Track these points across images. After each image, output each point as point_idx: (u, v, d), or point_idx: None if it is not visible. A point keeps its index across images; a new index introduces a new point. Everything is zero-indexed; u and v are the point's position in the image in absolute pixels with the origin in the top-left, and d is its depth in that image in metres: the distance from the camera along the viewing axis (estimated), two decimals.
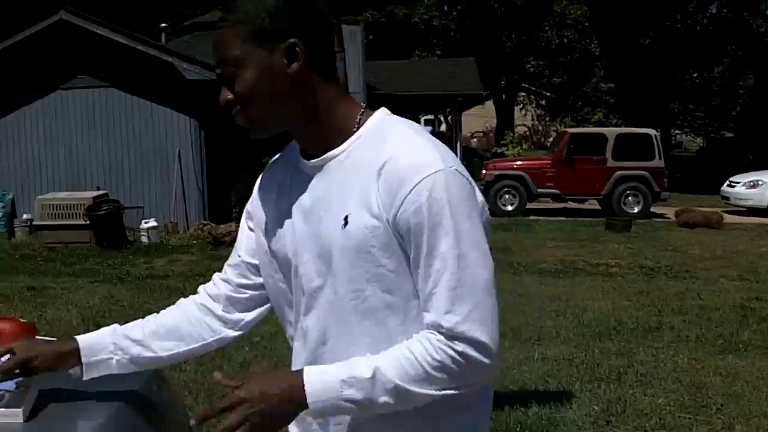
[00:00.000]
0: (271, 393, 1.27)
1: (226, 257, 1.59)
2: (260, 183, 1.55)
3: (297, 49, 1.33)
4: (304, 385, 1.27)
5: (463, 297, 1.28)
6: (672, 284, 8.92)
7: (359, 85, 15.65)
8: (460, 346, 1.26)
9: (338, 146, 1.38)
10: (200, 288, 1.61)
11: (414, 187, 1.28)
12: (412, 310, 1.34)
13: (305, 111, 1.37)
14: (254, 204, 1.54)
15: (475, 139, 40.24)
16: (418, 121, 33.09)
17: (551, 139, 34.68)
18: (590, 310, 7.18)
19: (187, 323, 1.57)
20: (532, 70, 31.40)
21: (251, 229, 1.54)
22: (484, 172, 16.47)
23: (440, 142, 1.39)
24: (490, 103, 34.43)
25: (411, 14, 28.54)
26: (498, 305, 1.30)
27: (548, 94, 39.73)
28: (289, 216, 1.43)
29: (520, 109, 39.96)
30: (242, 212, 1.59)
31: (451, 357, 1.26)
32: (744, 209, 17.07)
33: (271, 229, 1.47)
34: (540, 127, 42.09)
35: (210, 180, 12.95)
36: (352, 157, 1.37)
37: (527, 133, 38.95)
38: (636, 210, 15.59)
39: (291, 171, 1.47)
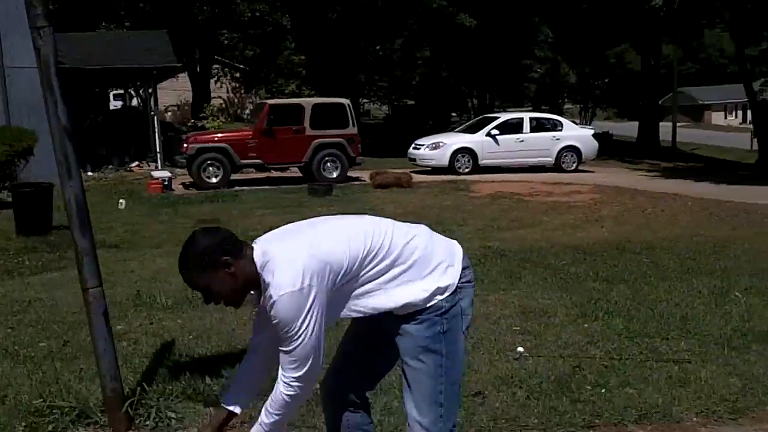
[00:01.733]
0: None
1: None
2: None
3: (228, 260, 2.41)
4: None
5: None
6: None
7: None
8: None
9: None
10: None
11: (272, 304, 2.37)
12: None
13: (247, 282, 2.45)
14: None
15: (170, 113, 39.13)
16: (108, 96, 31.46)
17: (248, 111, 34.96)
18: None
19: None
20: (226, 42, 31.16)
21: None
22: (185, 145, 16.25)
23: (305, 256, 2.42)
24: (184, 76, 33.69)
25: None
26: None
27: (242, 66, 39.80)
28: None
29: (215, 82, 39.58)
30: None
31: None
32: (429, 168, 18.77)
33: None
34: (236, 99, 42.05)
35: None
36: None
37: (223, 105, 38.73)
38: (335, 175, 16.43)
39: None
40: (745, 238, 9.50)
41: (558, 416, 3.72)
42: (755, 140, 27.49)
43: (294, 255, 2.39)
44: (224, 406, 2.69)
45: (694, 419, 3.75)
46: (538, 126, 19.75)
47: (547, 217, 12.23)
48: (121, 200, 13.21)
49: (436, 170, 18.49)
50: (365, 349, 2.73)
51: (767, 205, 12.71)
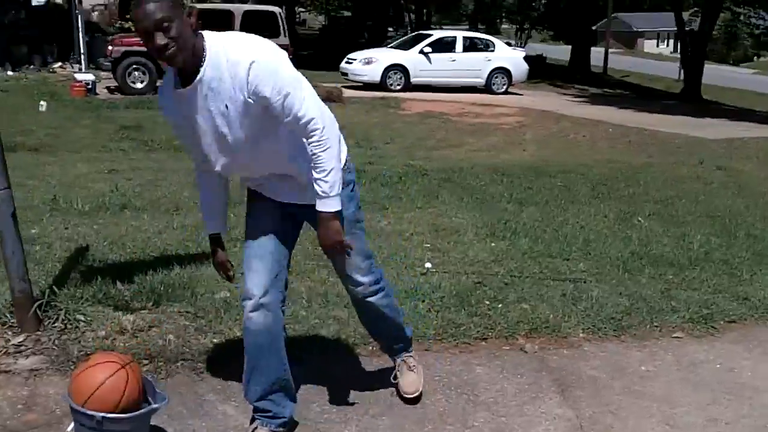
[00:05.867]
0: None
1: None
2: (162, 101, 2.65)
3: (190, 8, 2.37)
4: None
5: None
6: None
7: None
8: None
9: (198, 71, 2.42)
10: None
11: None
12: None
13: (193, 48, 2.38)
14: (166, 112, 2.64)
15: (96, 13, 37.54)
16: None
17: None
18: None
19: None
20: None
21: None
22: (110, 48, 15.74)
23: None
24: None
25: None
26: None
27: None
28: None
29: None
30: None
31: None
32: (361, 84, 18.69)
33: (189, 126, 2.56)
34: None
35: None
36: (207, 75, 2.43)
37: None
38: None
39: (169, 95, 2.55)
40: (658, 166, 9.90)
41: (454, 328, 3.94)
42: (683, 70, 28.11)
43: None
44: (210, 232, 2.93)
45: (581, 335, 4.02)
46: (471, 46, 19.77)
47: (473, 138, 12.46)
48: (42, 102, 12.83)
49: (368, 86, 18.43)
50: (278, 243, 2.82)
51: (683, 135, 13.20)
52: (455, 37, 19.92)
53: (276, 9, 16.61)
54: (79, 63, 18.86)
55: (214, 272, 4.32)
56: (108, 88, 16.17)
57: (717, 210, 7.18)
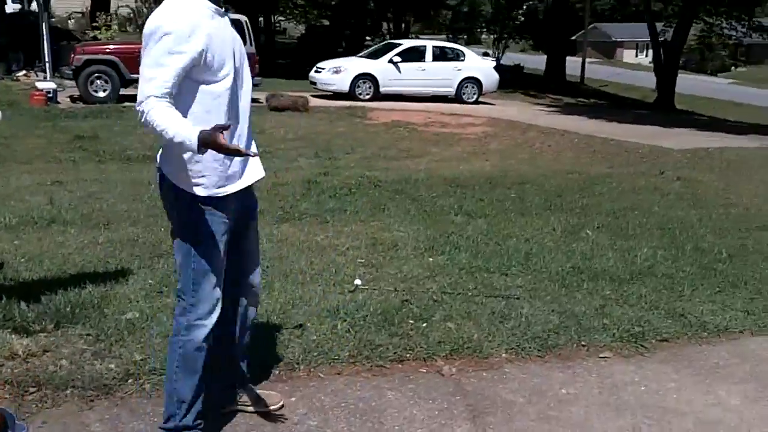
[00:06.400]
0: None
1: None
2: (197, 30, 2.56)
3: None
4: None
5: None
6: None
7: None
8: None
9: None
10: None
11: None
12: None
13: None
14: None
15: (73, 20, 37.24)
16: None
17: None
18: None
19: None
20: None
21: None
22: (72, 56, 15.48)
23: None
24: None
25: None
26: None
27: None
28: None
29: None
30: None
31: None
32: (330, 93, 18.53)
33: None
34: (145, 9, 40.26)
35: None
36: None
37: (132, 15, 37.02)
38: None
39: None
40: (617, 177, 9.78)
41: (371, 350, 3.77)
42: (656, 80, 28.14)
43: None
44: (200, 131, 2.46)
45: (503, 355, 3.86)
46: (441, 55, 19.66)
47: (437, 148, 12.30)
48: None
49: (338, 95, 18.27)
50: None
51: (649, 145, 13.11)
52: (425, 46, 19.79)
53: (242, 17, 16.38)
54: (44, 71, 18.54)
55: (128, 291, 4.14)
56: (71, 97, 15.89)
57: (669, 222, 7.06)
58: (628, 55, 67.63)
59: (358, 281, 4.74)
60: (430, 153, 11.81)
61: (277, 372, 3.51)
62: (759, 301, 4.83)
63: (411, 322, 4.15)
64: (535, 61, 41.58)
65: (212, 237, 2.69)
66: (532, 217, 7.00)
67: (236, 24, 14.05)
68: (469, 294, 4.65)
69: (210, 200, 2.67)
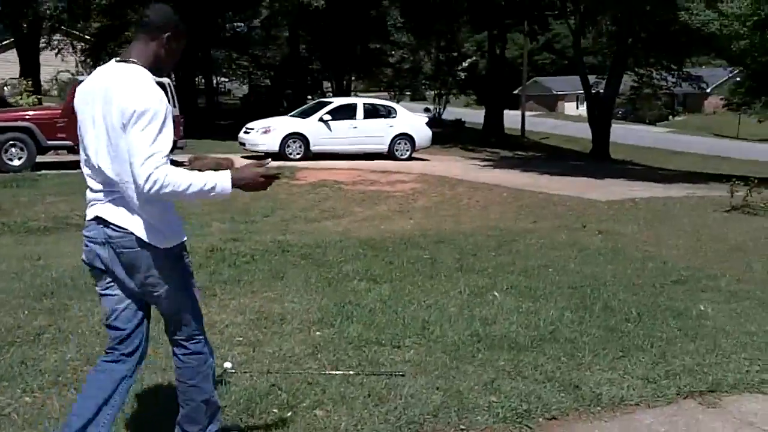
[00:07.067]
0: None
1: None
2: None
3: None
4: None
5: None
6: None
7: None
8: None
9: None
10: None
11: None
12: None
13: None
14: None
15: (9, 87, 36.62)
16: None
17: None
18: (56, 267, 6.86)
19: None
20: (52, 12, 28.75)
21: None
22: None
23: None
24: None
25: None
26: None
27: (89, 38, 37.82)
28: None
29: (57, 54, 37.38)
30: None
31: None
32: (262, 154, 18.17)
33: None
34: (86, 73, 39.86)
35: None
36: None
37: (72, 80, 36.52)
38: None
39: None
40: (539, 231, 9.56)
41: None
42: (591, 131, 28.51)
43: None
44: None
45: None
46: (372, 112, 19.53)
47: (360, 208, 12.00)
48: None
49: (270, 155, 17.92)
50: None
51: (577, 198, 13.00)
52: (356, 103, 19.63)
53: (165, 80, 15.98)
54: None
55: None
56: None
57: (583, 280, 6.78)
58: (569, 108, 69.00)
59: (227, 364, 4.30)
60: (353, 213, 11.51)
61: None
62: (661, 366, 4.52)
63: (275, 411, 3.73)
64: (478, 116, 42.03)
65: (192, 276, 3.04)
66: (441, 280, 6.66)
67: (160, 86, 13.59)
68: (352, 373, 4.24)
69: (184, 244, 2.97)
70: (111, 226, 2.77)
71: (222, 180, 2.71)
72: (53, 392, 3.88)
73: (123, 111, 2.65)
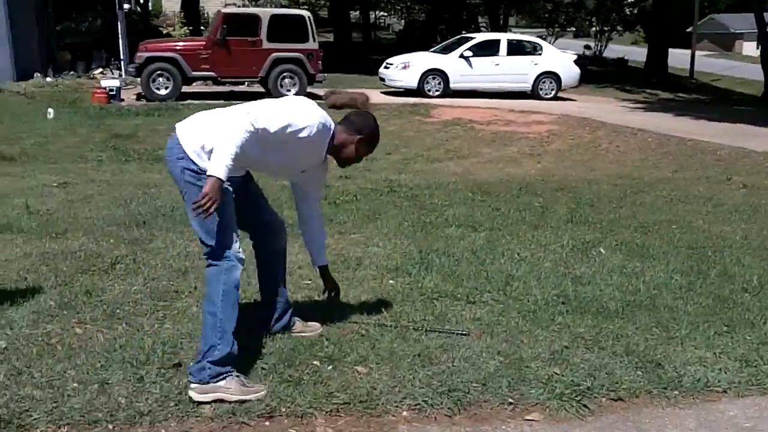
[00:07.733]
0: None
1: None
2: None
3: None
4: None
5: None
6: None
7: None
8: None
9: None
10: None
11: None
12: None
13: None
14: None
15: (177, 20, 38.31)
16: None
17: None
18: (165, 197, 6.97)
19: None
20: None
21: None
22: (137, 54, 15.53)
23: None
24: None
25: None
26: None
27: None
28: None
29: None
30: None
31: None
32: (402, 90, 17.91)
33: None
34: (248, 6, 40.93)
35: None
36: None
37: None
38: (293, 92, 15.64)
39: None
40: (674, 182, 8.79)
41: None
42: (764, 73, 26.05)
43: None
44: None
45: (403, 413, 3.17)
46: (517, 48, 18.66)
47: (489, 149, 11.53)
48: (49, 109, 12.66)
49: (408, 92, 17.63)
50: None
51: (729, 146, 11.85)
52: (499, 39, 18.80)
53: (305, 13, 16.02)
54: (119, 69, 18.84)
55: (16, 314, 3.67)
56: (138, 94, 15.98)
57: (707, 240, 6.10)
58: (749, 48, 63.44)
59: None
60: (479, 154, 11.06)
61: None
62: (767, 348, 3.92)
63: (315, 363, 3.53)
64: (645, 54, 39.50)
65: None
66: (545, 231, 6.19)
67: (298, 19, 13.89)
68: (408, 329, 3.96)
69: None
70: None
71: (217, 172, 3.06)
72: (104, 325, 3.87)
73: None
